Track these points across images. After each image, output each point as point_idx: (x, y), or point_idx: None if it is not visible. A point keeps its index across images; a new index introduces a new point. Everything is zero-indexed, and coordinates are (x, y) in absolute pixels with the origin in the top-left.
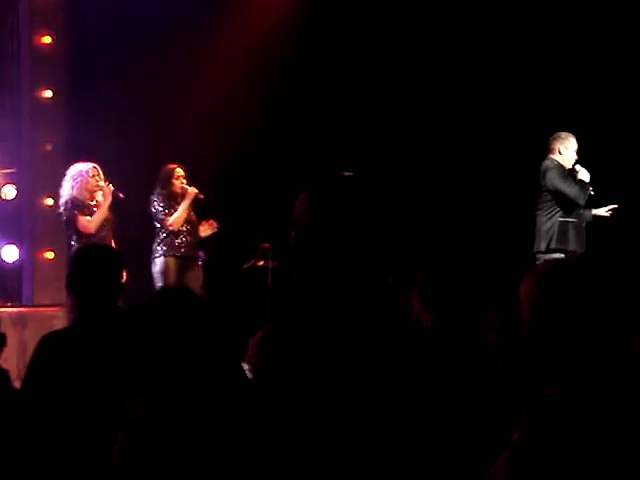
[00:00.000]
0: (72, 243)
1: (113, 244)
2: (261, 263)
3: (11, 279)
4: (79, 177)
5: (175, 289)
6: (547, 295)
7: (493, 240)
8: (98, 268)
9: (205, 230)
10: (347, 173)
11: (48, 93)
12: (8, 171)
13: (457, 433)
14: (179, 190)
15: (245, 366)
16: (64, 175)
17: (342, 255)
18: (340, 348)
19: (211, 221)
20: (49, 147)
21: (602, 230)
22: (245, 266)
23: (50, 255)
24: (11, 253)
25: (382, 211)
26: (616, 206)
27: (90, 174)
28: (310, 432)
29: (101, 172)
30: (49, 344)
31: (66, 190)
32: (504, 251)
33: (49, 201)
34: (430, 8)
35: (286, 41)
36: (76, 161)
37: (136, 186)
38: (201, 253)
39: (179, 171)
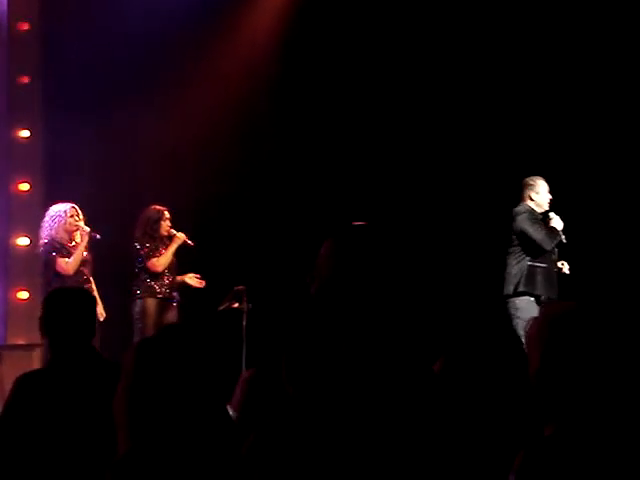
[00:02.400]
0: (50, 284)
1: (92, 284)
2: (236, 305)
3: None
4: (57, 217)
5: (178, 327)
6: (558, 339)
7: (465, 283)
8: (70, 310)
9: (191, 279)
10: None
11: (25, 133)
12: None
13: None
14: (166, 233)
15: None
16: (41, 215)
17: (368, 304)
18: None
19: (198, 276)
20: (25, 187)
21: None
22: (220, 308)
23: (24, 295)
24: None
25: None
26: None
27: (69, 214)
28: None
29: (80, 212)
30: (25, 385)
31: (45, 231)
32: (475, 295)
33: (24, 241)
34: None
35: (270, 77)
36: (55, 202)
37: (111, 226)
38: (175, 294)
39: (167, 214)
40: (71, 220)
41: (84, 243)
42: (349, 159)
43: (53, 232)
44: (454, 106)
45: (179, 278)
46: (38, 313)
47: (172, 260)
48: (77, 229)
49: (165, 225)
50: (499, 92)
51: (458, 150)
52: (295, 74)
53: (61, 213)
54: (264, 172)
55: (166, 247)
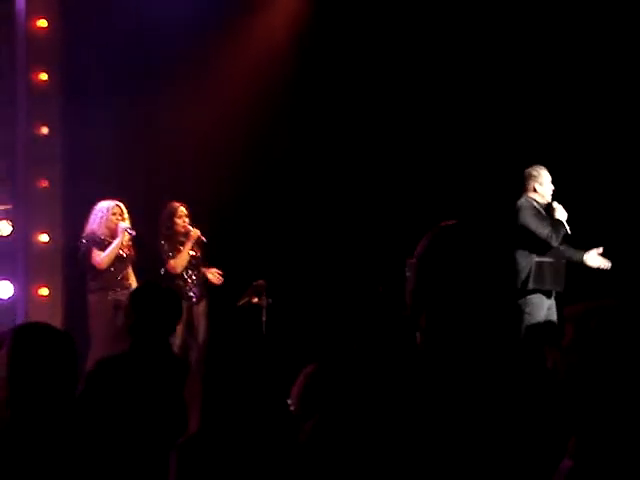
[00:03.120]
0: (84, 277)
1: (133, 281)
2: (255, 300)
3: (6, 315)
4: (100, 213)
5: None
6: (602, 336)
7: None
8: (159, 305)
9: (212, 275)
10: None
11: (44, 130)
12: (4, 207)
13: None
14: (182, 230)
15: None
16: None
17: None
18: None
19: (220, 273)
20: (45, 183)
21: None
22: (239, 303)
23: (44, 292)
24: (6, 289)
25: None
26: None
27: (112, 211)
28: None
29: (124, 210)
30: (104, 368)
31: (89, 226)
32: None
33: (44, 237)
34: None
35: (286, 74)
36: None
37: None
38: (195, 290)
39: (182, 210)
40: (112, 217)
41: (119, 239)
42: (367, 154)
43: (95, 226)
44: (458, 104)
45: (203, 271)
46: (59, 310)
47: (195, 259)
48: (116, 226)
49: (180, 222)
50: (501, 87)
51: (464, 144)
52: (310, 72)
53: (103, 209)
54: (285, 166)
55: (183, 245)
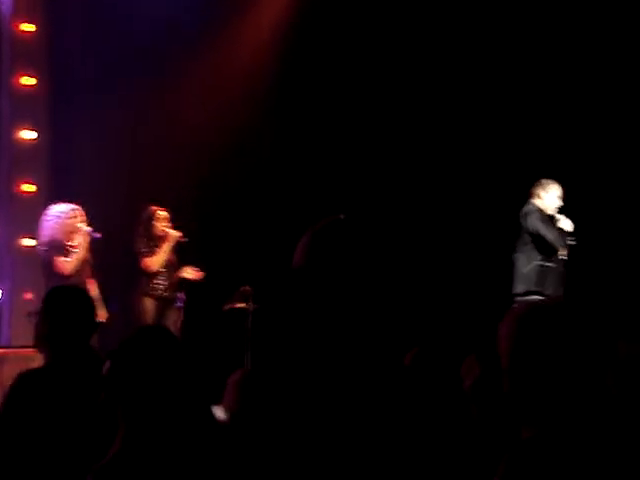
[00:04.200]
0: (49, 284)
1: (93, 284)
2: (241, 305)
3: None
4: (57, 218)
5: (152, 328)
6: (526, 336)
7: (472, 282)
8: (68, 309)
9: (189, 273)
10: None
11: (30, 134)
12: None
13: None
14: (160, 233)
15: (219, 409)
16: (45, 215)
17: (344, 295)
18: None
19: (196, 269)
20: (30, 188)
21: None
22: (225, 308)
23: (29, 296)
24: None
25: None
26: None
27: (70, 215)
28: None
29: (81, 213)
30: (23, 383)
31: (45, 231)
32: (483, 293)
33: (29, 241)
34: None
35: (271, 75)
36: (56, 202)
37: (116, 226)
38: (180, 295)
39: (161, 213)
40: (70, 221)
41: (84, 244)
42: (354, 157)
43: (53, 232)
44: (455, 103)
45: (177, 275)
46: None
47: (171, 259)
48: (77, 230)
49: (159, 225)
50: (507, 92)
51: (460, 148)
52: (296, 72)
53: (61, 214)
54: (272, 171)
55: (160, 246)
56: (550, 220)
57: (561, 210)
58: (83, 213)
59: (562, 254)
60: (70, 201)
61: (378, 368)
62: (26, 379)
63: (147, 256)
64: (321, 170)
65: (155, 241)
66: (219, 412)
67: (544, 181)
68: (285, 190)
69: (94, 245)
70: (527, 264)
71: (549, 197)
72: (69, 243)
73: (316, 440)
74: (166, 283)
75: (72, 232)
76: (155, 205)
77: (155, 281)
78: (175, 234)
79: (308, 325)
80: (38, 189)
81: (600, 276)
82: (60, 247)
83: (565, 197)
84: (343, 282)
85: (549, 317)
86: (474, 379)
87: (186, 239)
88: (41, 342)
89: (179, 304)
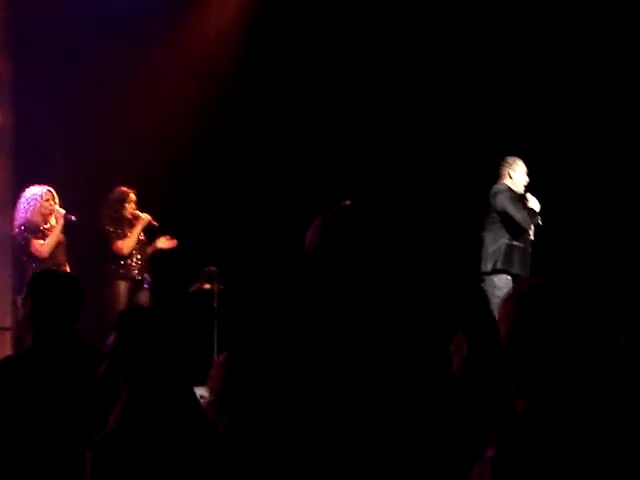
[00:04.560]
0: (25, 266)
1: (67, 267)
2: (207, 286)
3: None
4: (33, 200)
5: (143, 310)
6: (525, 316)
7: (442, 260)
8: (58, 294)
9: (163, 242)
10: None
11: None
12: None
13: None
14: (130, 215)
15: (203, 390)
16: (12, 200)
17: (354, 282)
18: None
19: (168, 237)
20: None
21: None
22: (191, 289)
23: None
24: None
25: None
26: None
27: (44, 198)
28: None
29: (55, 196)
30: (6, 367)
31: (21, 214)
32: (451, 271)
33: None
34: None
35: (236, 57)
36: (28, 186)
37: (86, 209)
38: (147, 276)
39: (132, 196)
40: (46, 203)
41: (59, 226)
42: (321, 138)
43: (29, 215)
44: (428, 85)
45: (150, 249)
46: (8, 297)
47: (141, 241)
48: (52, 212)
49: (129, 207)
50: (477, 75)
51: (432, 129)
52: (262, 54)
53: (37, 196)
54: (235, 153)
55: (132, 229)
56: (520, 200)
57: (527, 187)
58: (55, 195)
59: (529, 234)
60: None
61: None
62: (8, 364)
63: (118, 239)
64: (287, 154)
65: (124, 224)
66: (200, 392)
67: (510, 160)
68: (249, 172)
69: (68, 228)
70: (494, 242)
71: (518, 176)
72: (45, 226)
73: (308, 420)
74: (138, 265)
75: (47, 214)
76: (125, 187)
77: (127, 264)
78: (146, 217)
79: (323, 303)
80: (3, 172)
81: (565, 256)
82: (36, 229)
83: (532, 177)
84: (354, 263)
85: (548, 298)
86: (462, 357)
87: (157, 224)
88: (26, 324)
89: (145, 285)
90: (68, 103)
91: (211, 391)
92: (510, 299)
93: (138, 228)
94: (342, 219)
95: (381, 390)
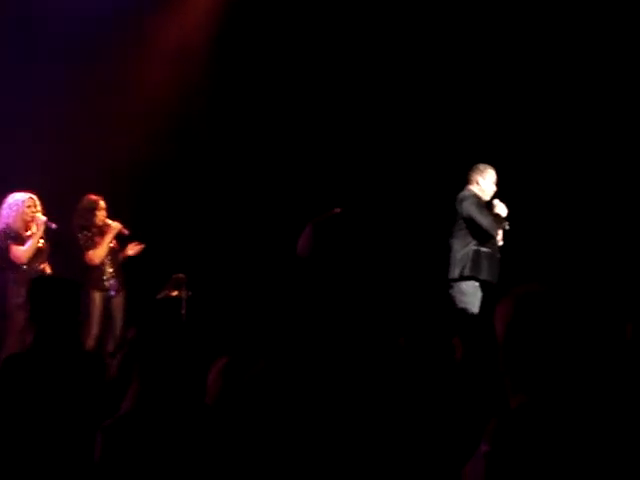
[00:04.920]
0: (3, 272)
1: (48, 274)
2: (175, 293)
3: None
4: (15, 206)
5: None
6: (521, 315)
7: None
8: (57, 298)
9: (132, 249)
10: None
11: None
12: None
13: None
14: (100, 223)
15: None
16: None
17: (345, 288)
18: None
19: (135, 242)
20: None
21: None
22: (159, 296)
23: None
24: None
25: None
26: None
27: (26, 204)
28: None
29: (37, 203)
30: (9, 366)
31: (2, 219)
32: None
33: None
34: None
35: (207, 55)
36: (13, 190)
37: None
38: (113, 283)
39: (102, 204)
40: (27, 210)
41: (39, 233)
42: (292, 140)
43: (10, 220)
44: (402, 94)
45: (121, 255)
46: None
47: (112, 249)
48: (34, 219)
49: (100, 215)
50: (442, 77)
51: (404, 134)
52: (231, 51)
53: (18, 202)
54: (204, 158)
55: (102, 237)
56: (486, 206)
57: (496, 194)
58: (38, 202)
59: (497, 240)
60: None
61: (376, 352)
62: (10, 362)
63: (89, 249)
64: (257, 159)
65: (95, 232)
66: None
67: (481, 166)
68: (217, 178)
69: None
70: (462, 249)
71: (486, 183)
72: (26, 233)
73: (302, 421)
74: (111, 273)
75: (29, 221)
76: (94, 195)
77: (100, 273)
78: (116, 225)
79: (317, 307)
80: None
81: (534, 260)
82: (16, 236)
83: (500, 181)
84: (346, 271)
85: (545, 298)
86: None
87: (127, 231)
88: (28, 327)
89: (112, 293)
90: (36, 110)
91: (209, 396)
92: (507, 300)
93: (109, 237)
94: (334, 227)
95: (372, 391)
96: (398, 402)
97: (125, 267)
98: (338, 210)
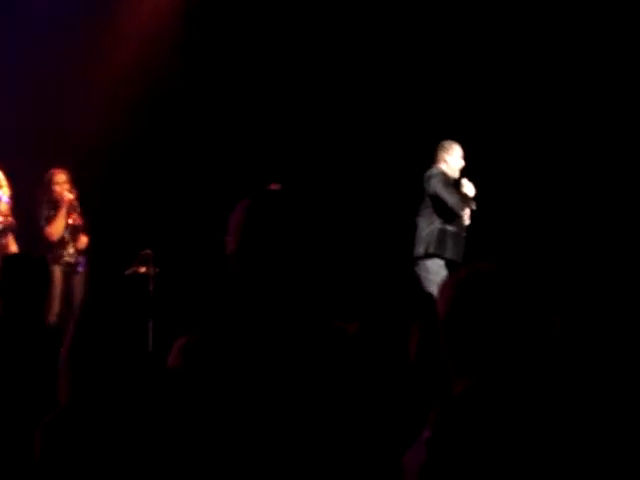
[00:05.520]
0: None
1: (14, 249)
2: (143, 270)
3: None
4: None
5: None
6: (463, 296)
7: (372, 245)
8: (26, 276)
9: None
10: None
11: None
12: None
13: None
14: (59, 196)
15: None
16: None
17: (282, 266)
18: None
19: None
20: None
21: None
22: (127, 273)
23: None
24: None
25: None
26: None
27: None
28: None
29: (3, 178)
30: None
31: None
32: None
33: None
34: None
35: (176, 35)
36: None
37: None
38: (82, 259)
39: (61, 176)
40: None
41: (5, 210)
42: (259, 120)
43: None
44: (363, 66)
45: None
46: None
47: (73, 224)
48: None
49: (58, 188)
50: (413, 57)
51: (369, 113)
52: (199, 39)
53: None
54: (170, 135)
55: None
56: (454, 185)
57: (464, 170)
58: (3, 178)
59: (463, 219)
60: None
61: (316, 337)
62: None
63: (46, 224)
64: (225, 132)
65: (54, 206)
66: None
67: (446, 144)
68: (184, 154)
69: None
70: (427, 227)
71: (453, 160)
72: None
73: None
74: (72, 250)
75: None
76: (56, 167)
77: (62, 249)
78: (67, 196)
79: (248, 304)
80: None
81: (501, 241)
82: None
83: (467, 161)
84: (280, 265)
85: (487, 279)
86: (416, 346)
87: (76, 203)
88: None
89: (80, 269)
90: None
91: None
92: (449, 281)
93: (62, 211)
94: (268, 205)
95: (309, 378)
96: (339, 390)
97: (91, 242)
98: (276, 186)
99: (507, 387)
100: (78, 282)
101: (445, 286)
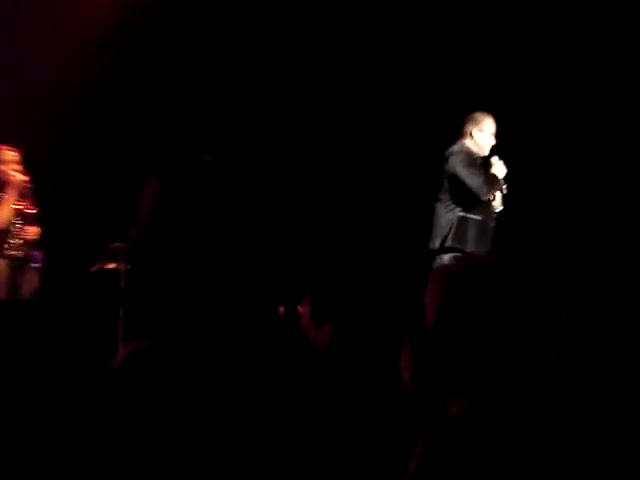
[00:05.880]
0: None
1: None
2: (111, 266)
3: None
4: None
5: None
6: (455, 298)
7: (387, 237)
8: None
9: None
10: (206, 157)
11: None
12: None
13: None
14: (4, 178)
15: None
16: None
17: (195, 255)
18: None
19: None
20: None
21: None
22: (93, 269)
23: None
24: None
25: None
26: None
27: None
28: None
29: None
30: None
31: None
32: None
33: None
34: None
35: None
36: None
37: None
38: (37, 253)
39: (8, 155)
40: None
41: None
42: (205, 95)
43: None
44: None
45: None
46: None
47: (24, 212)
48: None
49: (5, 169)
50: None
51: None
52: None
53: None
54: (138, 118)
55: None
56: (481, 164)
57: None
58: None
59: (493, 205)
60: None
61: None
62: None
63: None
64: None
65: (2, 189)
66: None
67: (478, 116)
68: (150, 148)
69: None
70: (445, 214)
71: (483, 136)
72: None
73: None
74: (19, 240)
75: None
76: (5, 146)
77: (7, 239)
78: (19, 179)
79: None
80: None
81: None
82: None
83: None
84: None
85: (481, 276)
86: (411, 370)
87: (31, 186)
88: None
89: (34, 264)
90: None
91: None
92: (438, 278)
93: (9, 195)
94: (183, 181)
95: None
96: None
97: (49, 235)
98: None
99: (511, 408)
100: (30, 277)
101: (433, 285)
